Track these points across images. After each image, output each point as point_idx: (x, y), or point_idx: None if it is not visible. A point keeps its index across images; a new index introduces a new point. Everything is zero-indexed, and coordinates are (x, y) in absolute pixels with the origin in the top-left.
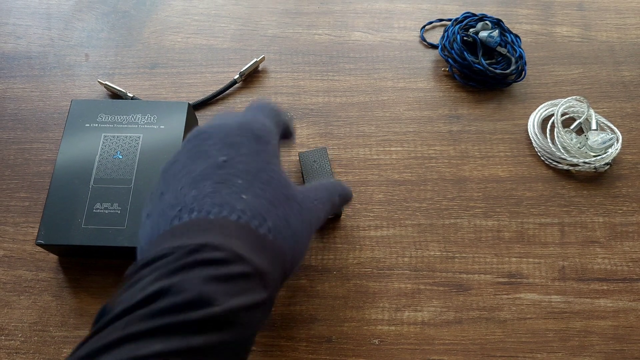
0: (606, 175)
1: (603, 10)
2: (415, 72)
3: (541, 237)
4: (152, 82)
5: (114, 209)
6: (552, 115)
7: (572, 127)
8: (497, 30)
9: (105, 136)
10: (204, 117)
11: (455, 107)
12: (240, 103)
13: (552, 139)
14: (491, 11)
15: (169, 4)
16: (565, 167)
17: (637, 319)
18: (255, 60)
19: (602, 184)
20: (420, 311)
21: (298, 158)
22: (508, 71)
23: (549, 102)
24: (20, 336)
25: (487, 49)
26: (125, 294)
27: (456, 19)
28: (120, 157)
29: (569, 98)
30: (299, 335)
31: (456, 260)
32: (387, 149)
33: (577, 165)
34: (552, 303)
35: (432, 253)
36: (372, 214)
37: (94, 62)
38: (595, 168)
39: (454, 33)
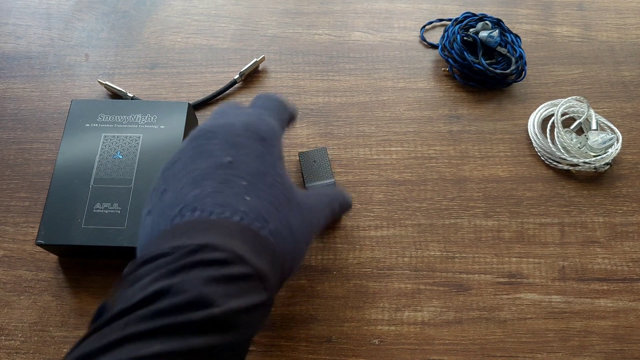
0: (606, 175)
1: (603, 10)
2: (415, 72)
3: (541, 237)
4: (152, 82)
5: (114, 209)
6: (552, 115)
7: (572, 127)
8: (497, 30)
9: (105, 136)
10: (204, 117)
11: (455, 107)
12: (240, 103)
13: (552, 139)
14: (491, 11)
15: (169, 4)
16: (565, 167)
17: (637, 319)
18: (255, 60)
19: (602, 184)
20: (420, 311)
21: (298, 158)
22: (508, 71)
23: (549, 102)
24: (20, 336)
25: (487, 49)
26: (124, 292)
27: (456, 19)
28: (120, 157)
29: (569, 98)
30: (299, 335)
31: (456, 260)
32: (387, 149)
33: (577, 165)
34: (552, 303)
35: (432, 253)
36: (372, 214)
37: (94, 62)
38: (595, 168)
39: (454, 33)
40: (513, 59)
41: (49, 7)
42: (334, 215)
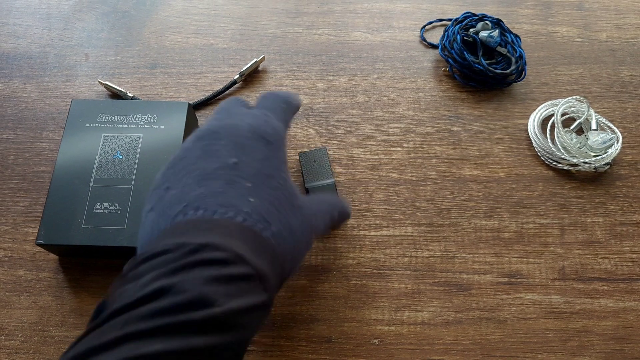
0: (606, 175)
1: (603, 10)
2: (415, 72)
3: (541, 237)
4: (152, 82)
5: (114, 209)
6: (552, 115)
7: (572, 127)
8: (497, 30)
9: (105, 136)
10: (204, 117)
11: (455, 107)
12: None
13: (552, 139)
14: (491, 11)
15: (169, 4)
16: (565, 167)
17: (637, 319)
18: (255, 60)
19: (602, 184)
20: (420, 311)
21: (298, 158)
22: (508, 71)
23: (549, 102)
24: (20, 336)
25: (487, 49)
26: (125, 288)
27: (456, 19)
28: (120, 157)
29: (569, 98)
30: (299, 335)
31: (456, 260)
32: (387, 149)
33: (577, 165)
34: (552, 303)
35: (432, 253)
36: (372, 214)
37: (94, 62)
38: (595, 168)
39: (454, 33)
40: (513, 59)
41: (49, 7)
42: (333, 223)
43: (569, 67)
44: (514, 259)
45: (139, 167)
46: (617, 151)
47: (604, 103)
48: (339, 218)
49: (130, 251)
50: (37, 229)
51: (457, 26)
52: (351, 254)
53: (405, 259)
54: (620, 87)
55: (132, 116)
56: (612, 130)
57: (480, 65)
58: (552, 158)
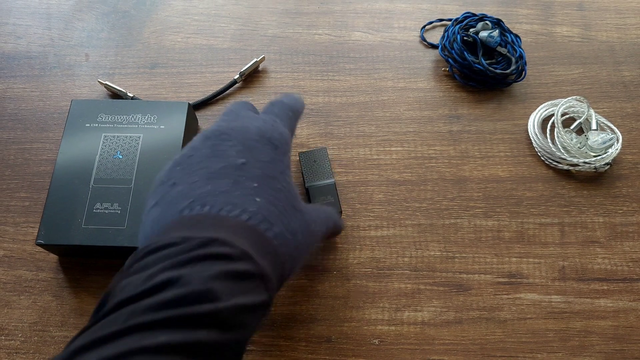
0: (606, 175)
1: (603, 10)
2: (415, 72)
3: (541, 237)
4: (152, 82)
5: (114, 209)
6: (552, 115)
7: (572, 127)
8: (497, 30)
9: (105, 136)
10: (204, 117)
11: (455, 107)
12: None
13: (552, 139)
14: (491, 11)
15: (169, 4)
16: (565, 167)
17: (637, 319)
18: (255, 60)
19: (602, 184)
20: (420, 311)
21: (298, 158)
22: (508, 71)
23: (549, 102)
24: (20, 336)
25: (487, 49)
26: (129, 281)
27: (456, 19)
28: (121, 157)
29: (569, 98)
30: (299, 335)
31: (456, 260)
32: (387, 149)
33: (577, 165)
34: (552, 303)
35: (432, 253)
36: (372, 214)
37: (94, 62)
38: (595, 168)
39: (454, 33)
40: (513, 59)
41: (49, 7)
42: (328, 232)
43: (569, 67)
44: (514, 259)
45: (139, 167)
46: (617, 151)
47: (604, 103)
48: (334, 230)
49: (130, 251)
50: (37, 229)
51: (457, 26)
52: (351, 254)
53: (405, 259)
54: (620, 87)
55: (132, 116)
56: (612, 130)
57: (480, 65)
58: (552, 158)
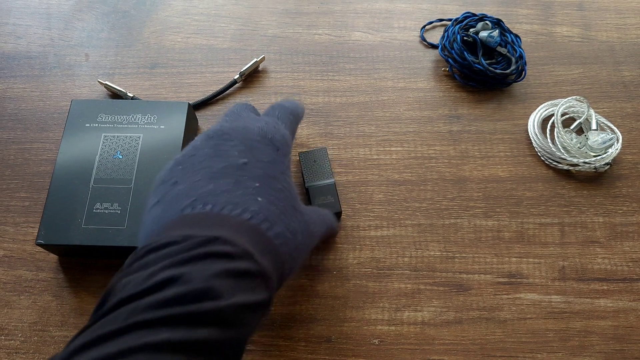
0: (606, 175)
1: (603, 10)
2: (415, 72)
3: (541, 237)
4: (152, 82)
5: (114, 209)
6: (552, 115)
7: (572, 127)
8: (497, 30)
9: (105, 136)
10: (204, 117)
11: (455, 107)
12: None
13: (552, 139)
14: (491, 11)
15: (169, 4)
16: (565, 167)
17: (637, 319)
18: (255, 60)
19: (602, 184)
20: (420, 311)
21: (298, 158)
22: (508, 71)
23: (549, 102)
24: (20, 336)
25: (487, 49)
26: (130, 279)
27: (456, 19)
28: (120, 157)
29: (569, 98)
30: (298, 335)
31: (456, 260)
32: (387, 149)
33: (577, 165)
34: (552, 303)
35: (432, 253)
36: (372, 214)
37: (94, 62)
38: (595, 168)
39: (454, 33)
40: (513, 59)
41: (49, 7)
42: (325, 234)
43: (569, 67)
44: (514, 259)
45: (139, 167)
46: (617, 151)
47: (604, 103)
48: (329, 232)
49: (130, 251)
50: (37, 229)
51: (457, 26)
52: (351, 254)
53: (405, 259)
54: (620, 87)
55: (132, 116)
56: (612, 130)
57: (480, 65)
58: (552, 158)
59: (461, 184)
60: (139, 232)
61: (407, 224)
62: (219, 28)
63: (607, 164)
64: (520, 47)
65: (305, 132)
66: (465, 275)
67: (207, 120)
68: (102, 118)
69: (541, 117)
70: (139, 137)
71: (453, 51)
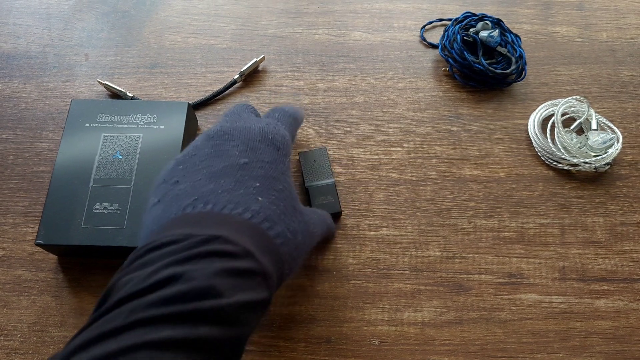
0: (606, 175)
1: (603, 10)
2: (415, 72)
3: (541, 237)
4: (152, 82)
5: (114, 209)
6: (553, 115)
7: (572, 127)
8: (497, 30)
9: (105, 136)
10: (204, 117)
11: (455, 107)
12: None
13: (553, 139)
14: (491, 11)
15: (169, 4)
16: (566, 167)
17: (638, 320)
18: (255, 60)
19: (603, 184)
20: (420, 312)
21: (298, 158)
22: (508, 71)
23: (549, 102)
24: (20, 336)
25: (487, 49)
26: (131, 277)
27: (456, 19)
28: (120, 157)
29: (569, 98)
30: (298, 335)
31: (456, 260)
32: (387, 149)
33: (577, 165)
34: (553, 303)
35: (432, 253)
36: (372, 214)
37: (94, 62)
38: (595, 168)
39: (454, 33)
40: (513, 59)
41: (49, 7)
42: (324, 235)
43: (569, 67)
44: (514, 259)
45: (139, 167)
46: (617, 151)
47: (604, 103)
48: (327, 233)
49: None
50: (37, 229)
51: (457, 26)
52: (351, 254)
53: (405, 259)
54: (620, 87)
55: (132, 116)
56: (612, 130)
57: (481, 65)
58: (552, 158)
59: (461, 184)
60: (140, 231)
61: (407, 224)
62: (219, 28)
63: (607, 164)
64: (520, 47)
65: (305, 132)
66: (465, 276)
67: (207, 120)
68: (101, 118)
69: (541, 117)
70: (138, 137)
71: (453, 51)
